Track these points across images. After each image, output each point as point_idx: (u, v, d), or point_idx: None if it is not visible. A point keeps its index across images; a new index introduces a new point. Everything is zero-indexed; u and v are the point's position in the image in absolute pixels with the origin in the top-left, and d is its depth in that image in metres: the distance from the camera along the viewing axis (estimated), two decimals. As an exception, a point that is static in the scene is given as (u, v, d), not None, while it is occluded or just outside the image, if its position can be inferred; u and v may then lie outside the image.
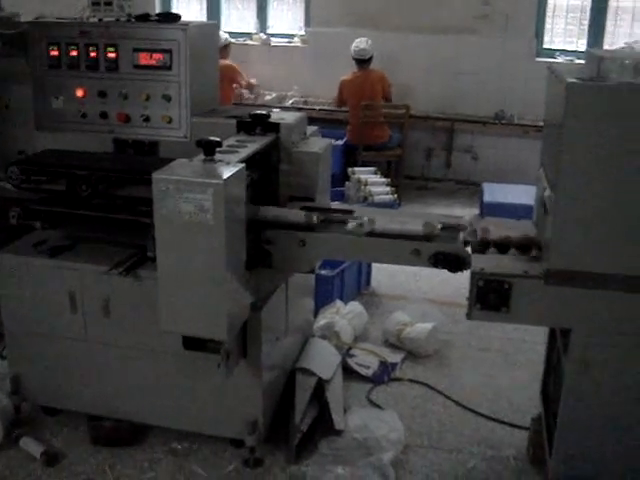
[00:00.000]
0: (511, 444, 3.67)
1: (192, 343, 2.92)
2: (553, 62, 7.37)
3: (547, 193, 2.84)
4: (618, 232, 2.65)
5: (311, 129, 3.76)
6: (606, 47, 7.99)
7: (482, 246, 2.91)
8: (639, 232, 2.64)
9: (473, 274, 2.80)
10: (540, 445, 3.37)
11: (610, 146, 2.56)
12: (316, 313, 4.59)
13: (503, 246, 2.93)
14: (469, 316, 2.86)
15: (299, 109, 7.58)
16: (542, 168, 3.15)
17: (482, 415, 3.89)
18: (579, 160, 2.59)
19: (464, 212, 6.30)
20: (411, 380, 4.23)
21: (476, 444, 3.66)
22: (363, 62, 7.70)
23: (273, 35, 9.13)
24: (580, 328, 2.82)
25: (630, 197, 2.61)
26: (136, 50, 3.53)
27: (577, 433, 2.97)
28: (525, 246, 2.91)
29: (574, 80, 2.57)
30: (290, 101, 8.47)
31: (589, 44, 8.12)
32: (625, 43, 2.70)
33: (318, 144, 3.56)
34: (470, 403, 3.99)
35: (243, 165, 2.75)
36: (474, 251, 3.00)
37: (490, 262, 2.87)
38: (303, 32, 8.98)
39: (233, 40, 8.38)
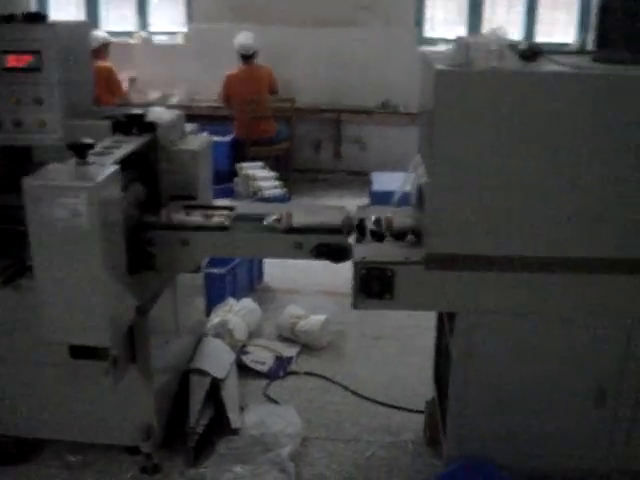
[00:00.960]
0: (408, 429, 3.72)
1: (79, 352, 2.84)
2: (428, 50, 7.48)
3: (424, 179, 2.88)
4: (493, 214, 2.71)
5: (190, 127, 3.71)
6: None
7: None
8: (514, 213, 2.71)
9: (355, 264, 2.81)
10: (435, 427, 3.44)
11: (480, 131, 2.62)
12: (209, 312, 4.54)
13: (379, 234, 2.96)
14: (355, 305, 2.87)
15: (185, 107, 7.49)
16: (419, 155, 3.19)
17: (379, 403, 3.93)
18: (451, 146, 2.63)
19: (355, 202, 6.31)
20: (307, 373, 4.24)
21: (374, 432, 3.70)
22: (248, 57, 7.66)
23: (155, 33, 8.98)
24: (463, 311, 2.88)
25: (503, 179, 2.67)
26: (4, 52, 3.40)
27: (467, 413, 3.03)
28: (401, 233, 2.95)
29: (442, 67, 2.61)
30: (175, 99, 8.34)
31: (468, 31, 8.31)
32: (490, 29, 2.74)
33: (197, 142, 3.52)
34: (366, 392, 4.02)
35: (117, 167, 2.69)
36: (357, 241, 3.03)
37: (372, 250, 2.89)
38: (185, 29, 8.86)
39: (114, 40, 8.17)
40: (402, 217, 3.05)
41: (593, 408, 3.03)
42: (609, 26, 2.87)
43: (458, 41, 2.78)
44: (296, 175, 8.07)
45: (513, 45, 2.87)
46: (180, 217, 3.15)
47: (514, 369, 2.96)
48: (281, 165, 7.71)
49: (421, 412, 3.69)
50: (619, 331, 2.92)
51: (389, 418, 3.81)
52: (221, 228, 3.12)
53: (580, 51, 3.00)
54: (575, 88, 2.59)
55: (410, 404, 3.87)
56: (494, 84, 2.58)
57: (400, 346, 4.54)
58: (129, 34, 8.94)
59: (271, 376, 4.19)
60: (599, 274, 2.79)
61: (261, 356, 4.35)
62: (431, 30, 8.67)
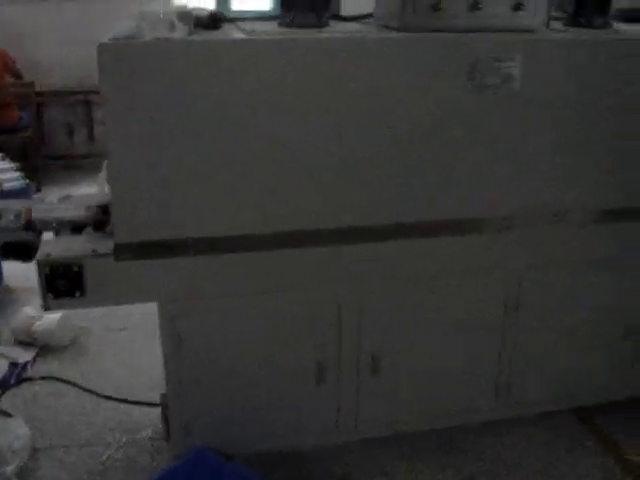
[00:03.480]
0: (148, 424, 3.53)
1: None
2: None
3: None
4: (176, 197, 2.55)
5: None
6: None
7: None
8: (196, 195, 2.56)
9: (38, 262, 2.58)
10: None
11: (153, 106, 2.44)
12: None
13: (78, 226, 2.74)
14: (45, 307, 2.64)
15: None
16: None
17: (117, 400, 3.72)
18: (122, 124, 2.44)
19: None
20: (43, 377, 3.94)
21: (111, 432, 3.49)
22: (-22, 39, 7.07)
23: None
24: (163, 300, 2.72)
25: (184, 160, 2.51)
26: None
27: (187, 403, 2.90)
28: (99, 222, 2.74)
29: (105, 41, 2.41)
30: None
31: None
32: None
33: None
34: (106, 389, 3.80)
35: None
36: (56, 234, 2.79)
37: (59, 246, 2.66)
38: None
39: None
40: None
41: (315, 385, 2.98)
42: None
43: (139, 12, 2.59)
44: (49, 162, 7.63)
45: (196, 15, 2.71)
46: None
47: (228, 353, 2.87)
48: (29, 154, 7.22)
49: (158, 405, 3.50)
50: (331, 305, 2.87)
51: (129, 415, 3.61)
52: None
53: (270, 17, 2.86)
54: (248, 53, 2.46)
55: (151, 397, 3.67)
56: (162, 55, 2.40)
57: (147, 335, 4.30)
58: None
59: (3, 385, 3.85)
60: (299, 248, 2.72)
61: (-7, 365, 4.01)
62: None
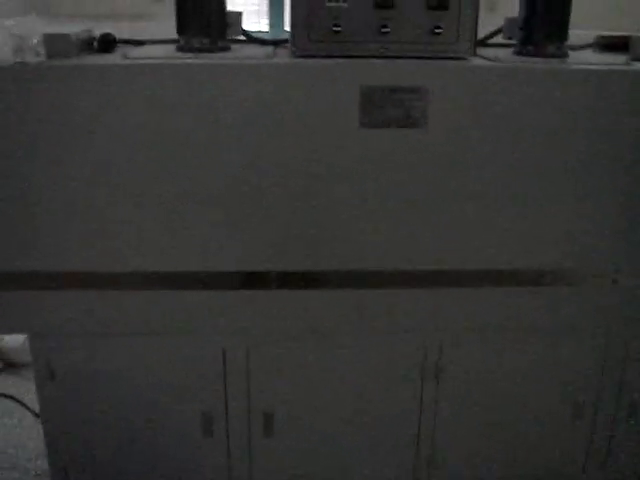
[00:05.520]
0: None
1: None
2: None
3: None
4: (40, 228, 2.43)
5: None
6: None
7: None
8: (58, 224, 2.42)
9: None
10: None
11: (10, 132, 2.32)
12: None
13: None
14: None
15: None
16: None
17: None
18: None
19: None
20: (-6, 394, 3.89)
21: (35, 459, 3.40)
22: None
23: None
24: (32, 333, 2.59)
25: (44, 187, 2.38)
26: None
27: (65, 444, 2.79)
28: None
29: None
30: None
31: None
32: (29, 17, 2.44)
33: None
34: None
35: None
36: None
37: None
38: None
39: None
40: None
41: (202, 437, 2.80)
42: (185, 13, 2.55)
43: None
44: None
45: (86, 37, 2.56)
46: None
47: (106, 395, 2.73)
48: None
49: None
50: (215, 353, 2.69)
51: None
52: None
53: (173, 40, 2.64)
54: (104, 79, 2.32)
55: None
56: (15, 80, 2.27)
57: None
58: None
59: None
60: (178, 290, 2.54)
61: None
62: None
